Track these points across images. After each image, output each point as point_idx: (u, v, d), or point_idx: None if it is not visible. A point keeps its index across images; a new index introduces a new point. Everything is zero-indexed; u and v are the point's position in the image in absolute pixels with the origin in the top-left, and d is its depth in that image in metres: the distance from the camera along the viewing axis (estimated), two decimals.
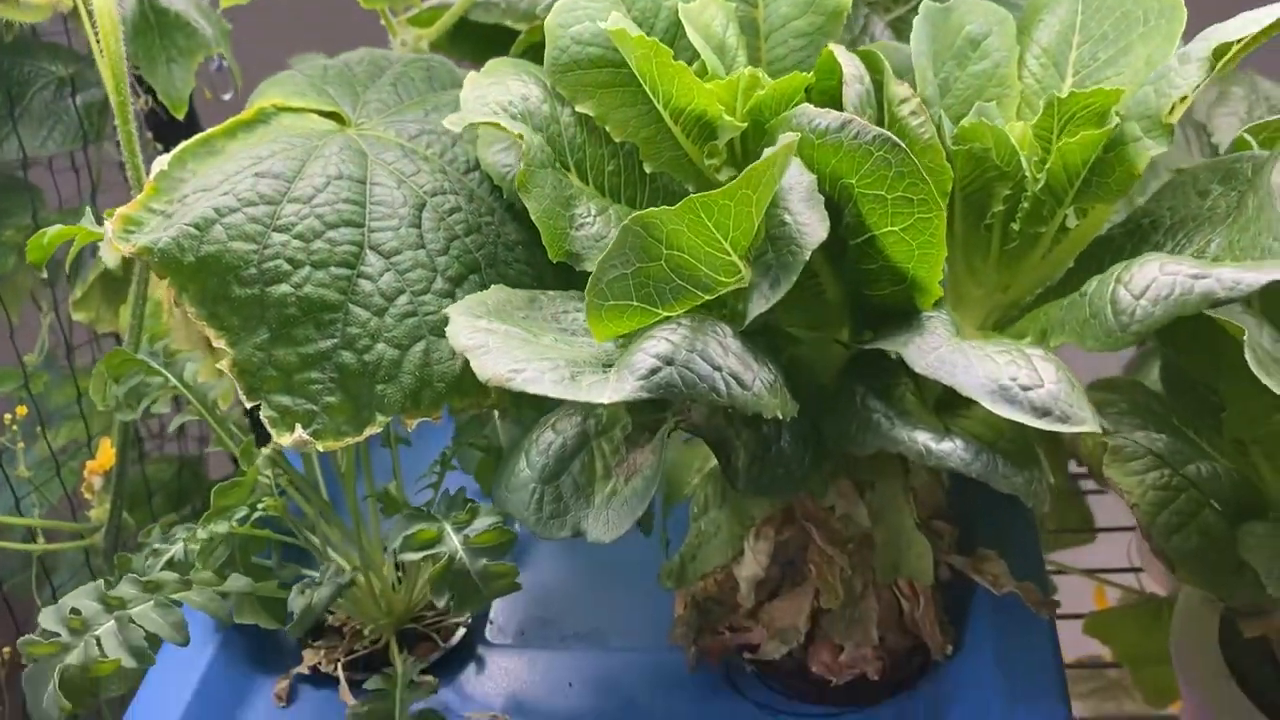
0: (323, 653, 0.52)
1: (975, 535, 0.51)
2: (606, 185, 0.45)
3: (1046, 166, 0.43)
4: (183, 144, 0.45)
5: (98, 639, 0.40)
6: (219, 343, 0.40)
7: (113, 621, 0.41)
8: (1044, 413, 0.35)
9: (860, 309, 0.41)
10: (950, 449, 0.36)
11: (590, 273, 0.38)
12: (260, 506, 0.49)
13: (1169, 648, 0.54)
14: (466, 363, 0.41)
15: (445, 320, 0.41)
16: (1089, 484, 0.89)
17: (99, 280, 0.67)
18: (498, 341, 0.37)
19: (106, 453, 0.65)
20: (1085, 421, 0.35)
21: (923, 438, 0.36)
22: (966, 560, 0.49)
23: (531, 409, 0.43)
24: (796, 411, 0.36)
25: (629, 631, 0.53)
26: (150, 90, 0.66)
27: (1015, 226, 0.45)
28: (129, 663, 0.40)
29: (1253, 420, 0.45)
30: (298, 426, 0.40)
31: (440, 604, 0.41)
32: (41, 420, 0.68)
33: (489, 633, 0.54)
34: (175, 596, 0.43)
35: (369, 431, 0.41)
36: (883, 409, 0.38)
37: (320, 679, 0.51)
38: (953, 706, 0.46)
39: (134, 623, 0.41)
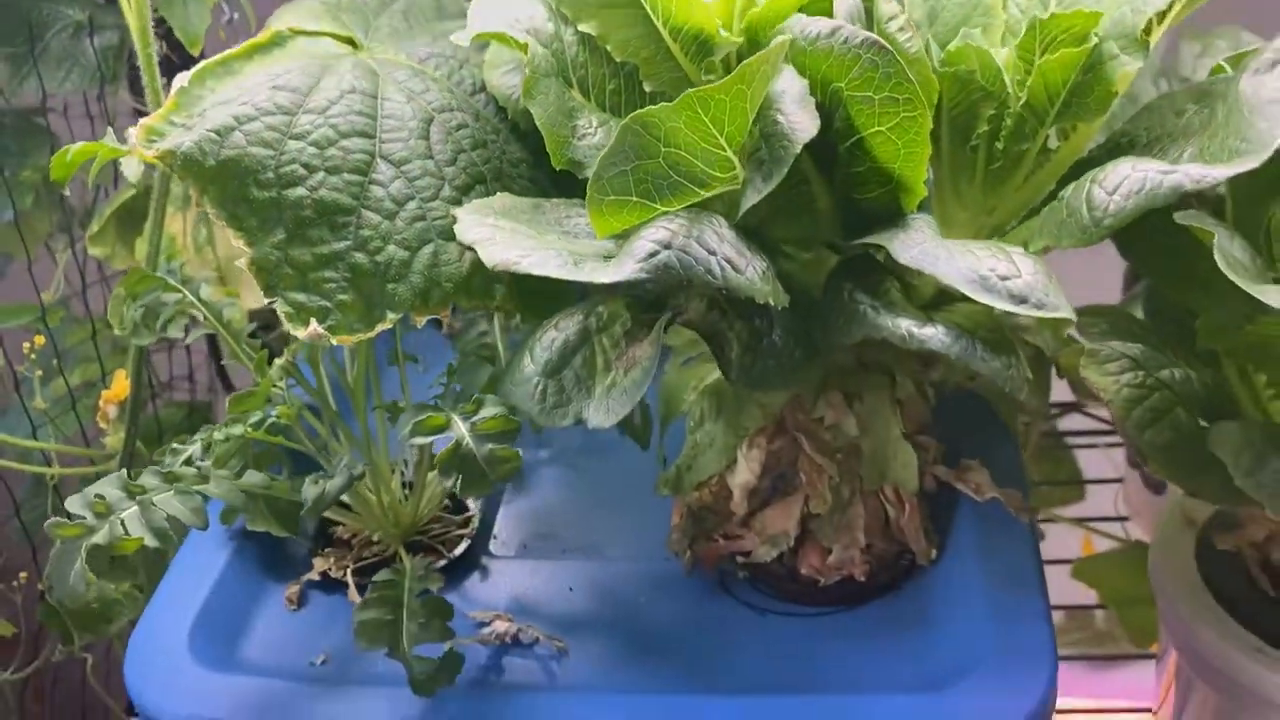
0: (332, 560, 0.54)
1: (959, 452, 0.53)
2: (607, 103, 0.47)
3: (1028, 85, 0.45)
4: (201, 64, 0.47)
5: (122, 521, 0.42)
6: (238, 242, 0.42)
7: (135, 506, 0.43)
8: (1021, 300, 0.37)
9: (849, 217, 0.43)
10: (932, 333, 0.38)
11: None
12: (274, 414, 0.51)
13: (1149, 572, 0.56)
14: (473, 263, 0.44)
15: (453, 225, 0.44)
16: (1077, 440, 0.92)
17: (114, 216, 0.69)
18: (504, 235, 0.39)
19: (121, 383, 0.67)
20: (1059, 309, 0.37)
21: (906, 324, 0.38)
22: (950, 471, 0.51)
23: (534, 313, 0.45)
24: (788, 303, 0.38)
25: (626, 545, 0.55)
26: (165, 37, 0.68)
27: (999, 146, 0.47)
28: (151, 542, 0.42)
29: (1223, 330, 0.47)
30: (313, 321, 0.42)
31: (448, 484, 0.43)
32: (58, 354, 0.69)
33: (492, 546, 0.56)
34: (194, 488, 0.44)
35: (380, 328, 0.43)
36: (869, 301, 0.40)
37: (329, 585, 0.53)
38: (938, 605, 0.48)
39: (155, 506, 0.43)
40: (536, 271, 0.36)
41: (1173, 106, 0.47)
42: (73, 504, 0.43)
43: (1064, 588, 0.87)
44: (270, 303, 0.42)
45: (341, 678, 0.48)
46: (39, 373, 0.66)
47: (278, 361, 0.51)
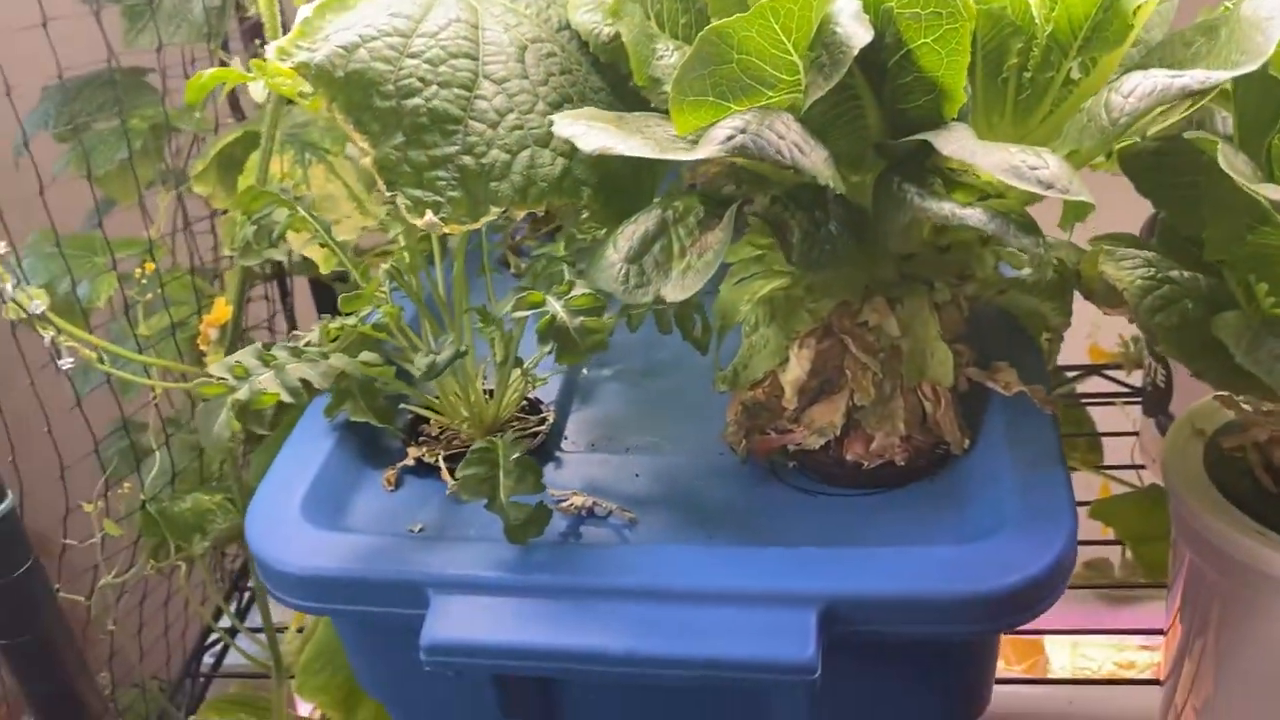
0: (424, 449, 0.60)
1: (989, 359, 0.58)
2: (680, 34, 0.53)
3: (1053, 18, 0.51)
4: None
5: (259, 383, 0.48)
6: (363, 144, 0.49)
7: (271, 371, 0.49)
8: (1048, 185, 0.43)
9: (896, 127, 0.49)
10: (972, 212, 0.44)
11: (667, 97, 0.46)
12: (379, 313, 0.57)
13: (1161, 475, 0.62)
14: (564, 168, 0.50)
15: (547, 135, 0.50)
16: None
17: (216, 158, 0.76)
18: (598, 130, 0.45)
19: (221, 309, 0.74)
20: (1082, 194, 0.43)
21: (949, 206, 0.44)
22: (981, 371, 0.57)
23: (614, 212, 0.51)
24: (844, 188, 0.44)
25: (684, 443, 0.61)
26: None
27: (1027, 76, 0.53)
28: (286, 398, 0.48)
29: (1226, 243, 0.53)
30: (428, 212, 0.48)
31: (545, 349, 0.49)
32: (161, 286, 0.76)
33: (563, 445, 0.62)
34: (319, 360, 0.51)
35: (484, 220, 0.49)
36: (915, 190, 0.46)
37: (423, 470, 0.59)
38: (972, 484, 0.54)
39: (288, 370, 0.49)
40: (630, 153, 0.42)
41: (1182, 40, 0.53)
42: (216, 369, 0.49)
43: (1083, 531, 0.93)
44: (390, 197, 0.49)
45: (438, 539, 0.54)
46: (148, 296, 0.73)
47: (383, 266, 0.57)
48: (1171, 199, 0.57)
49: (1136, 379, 1.00)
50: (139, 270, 0.73)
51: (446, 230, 0.49)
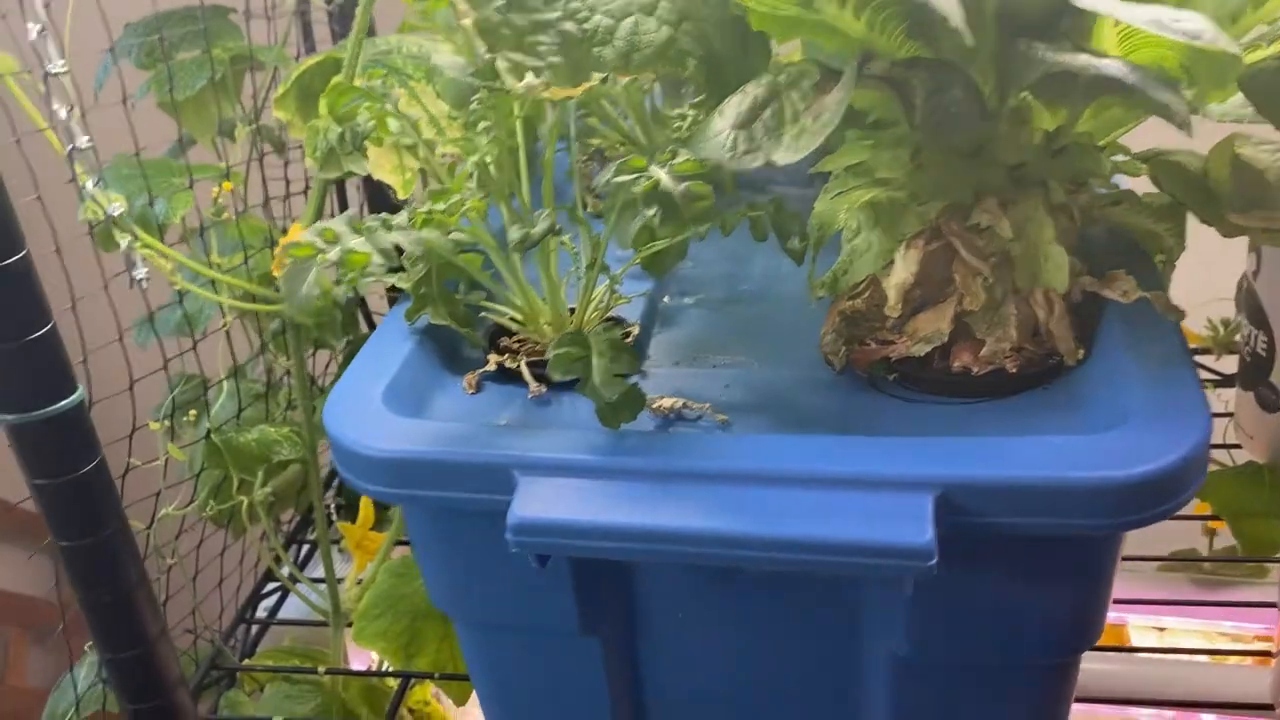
0: (506, 355, 0.58)
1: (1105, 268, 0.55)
2: None
3: None
4: None
5: (351, 244, 0.47)
6: (463, 5, 0.47)
7: (362, 236, 0.47)
8: (1191, 35, 0.40)
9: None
10: (1111, 63, 0.41)
11: None
12: (465, 208, 0.55)
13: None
14: (670, 35, 0.49)
15: (655, 3, 0.48)
16: None
17: (295, 84, 0.75)
18: None
19: (297, 233, 0.72)
20: (1227, 44, 0.41)
21: (1084, 58, 0.42)
22: (1097, 280, 0.54)
23: (718, 84, 0.49)
24: (972, 41, 0.42)
25: (774, 359, 0.58)
26: None
27: None
28: (377, 260, 0.47)
29: None
30: (528, 75, 0.47)
31: (648, 213, 0.46)
32: (237, 213, 0.75)
33: (646, 363, 0.60)
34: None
35: (585, 86, 0.47)
36: (1046, 46, 0.43)
37: (504, 376, 0.57)
38: (1090, 388, 0.51)
39: (379, 235, 0.47)
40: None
41: None
42: (306, 235, 0.48)
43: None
44: (492, 59, 0.47)
45: (524, 427, 0.51)
46: (226, 214, 0.72)
47: (471, 159, 0.56)
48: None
49: (1224, 365, 0.96)
50: (216, 189, 0.72)
51: (545, 95, 0.47)
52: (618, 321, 0.61)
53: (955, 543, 0.43)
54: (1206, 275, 0.79)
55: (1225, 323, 1.00)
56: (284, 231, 0.86)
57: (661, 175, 0.46)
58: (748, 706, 0.57)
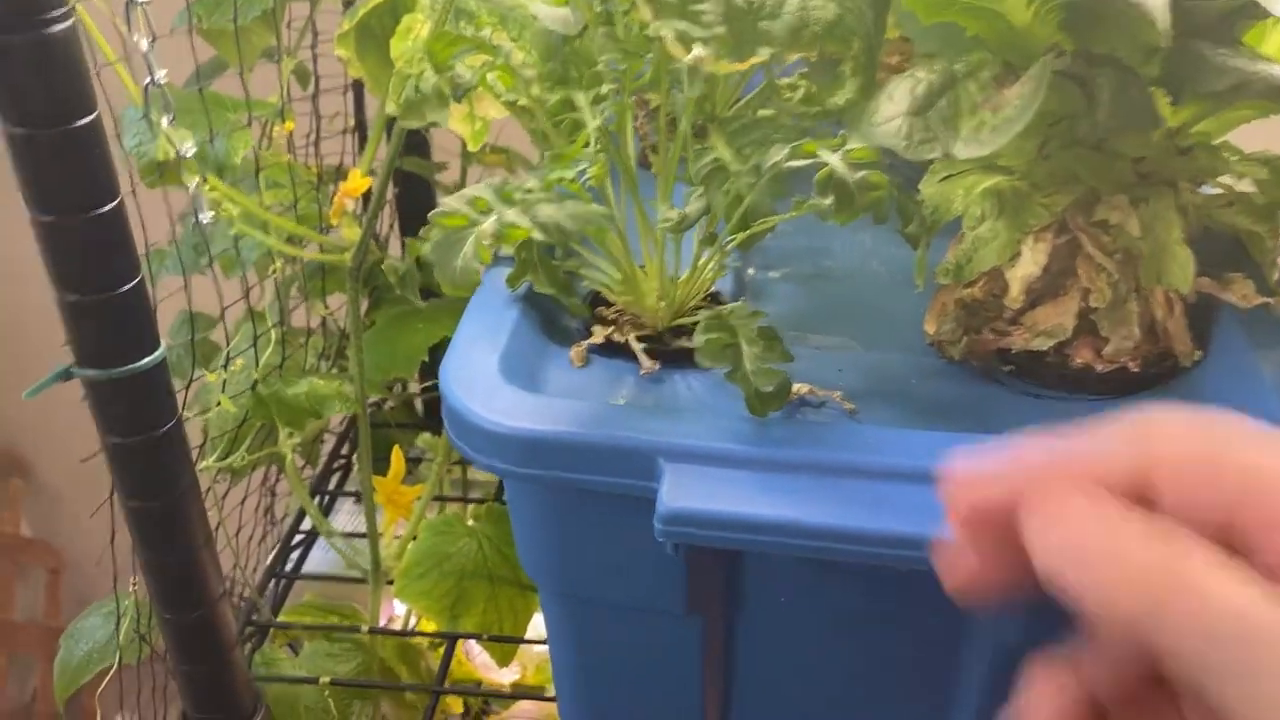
0: (612, 329, 0.56)
1: (1214, 272, 0.56)
2: None
3: None
4: None
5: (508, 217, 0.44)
6: None
7: (515, 207, 0.45)
8: None
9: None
10: None
11: None
12: (589, 175, 0.53)
13: None
14: (838, 13, 0.47)
15: None
16: None
17: (358, 26, 0.71)
18: None
19: (357, 179, 0.69)
20: None
21: (1264, 65, 0.41)
22: (1213, 281, 0.54)
23: (874, 69, 0.47)
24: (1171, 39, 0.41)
25: (878, 341, 0.58)
26: None
27: None
28: (538, 236, 0.44)
29: None
30: (695, 46, 0.44)
31: (822, 201, 0.45)
32: (291, 150, 0.71)
33: None
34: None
35: (751, 61, 0.45)
36: (1230, 54, 0.43)
37: (609, 350, 0.55)
38: (1210, 396, 0.51)
39: (537, 207, 0.45)
40: None
41: None
42: (451, 201, 0.45)
43: None
44: (656, 27, 0.45)
45: (659, 409, 0.50)
46: (285, 157, 0.68)
47: (593, 124, 0.53)
48: None
49: None
50: (277, 128, 0.68)
51: (710, 68, 0.45)
52: (716, 297, 0.60)
53: None
54: None
55: None
56: (335, 172, 0.82)
57: (836, 162, 0.44)
58: (837, 688, 0.57)
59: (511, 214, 0.44)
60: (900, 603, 0.53)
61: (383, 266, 0.58)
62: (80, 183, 0.47)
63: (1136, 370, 0.53)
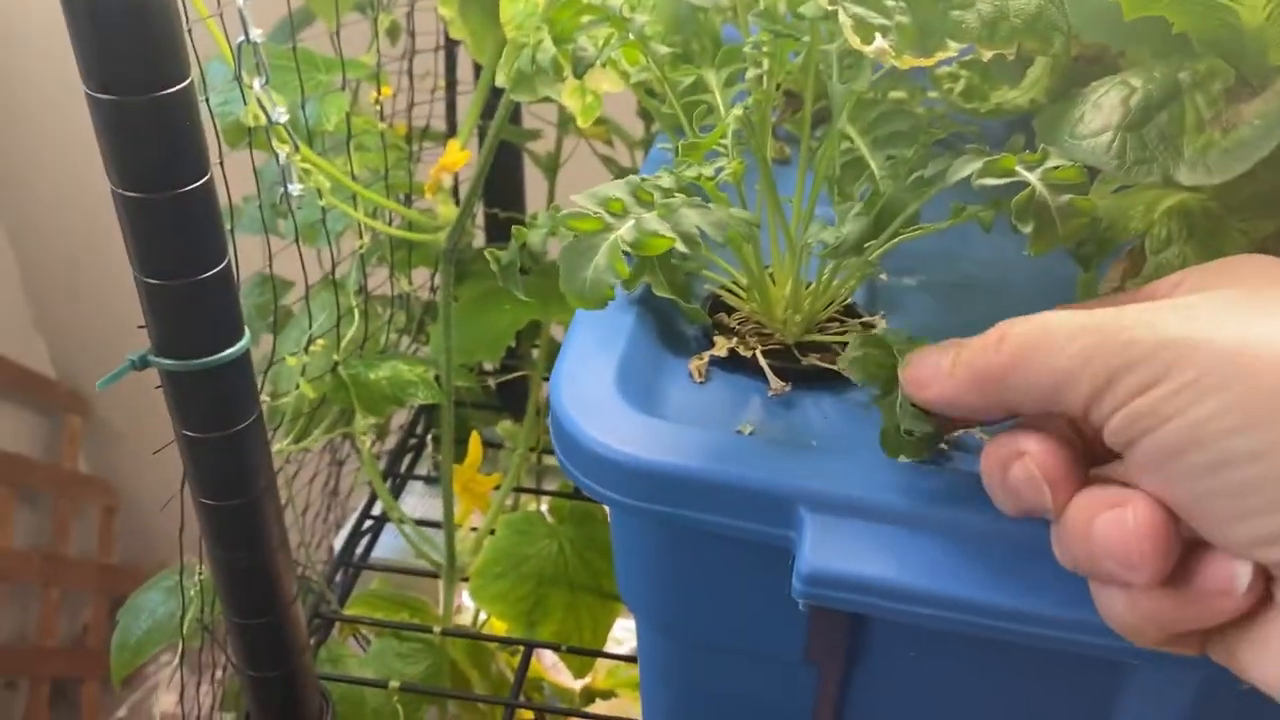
0: (736, 340, 0.51)
1: None
2: None
3: None
4: None
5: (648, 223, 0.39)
6: None
7: (653, 212, 0.39)
8: None
9: None
10: None
11: None
12: (725, 169, 0.47)
13: None
14: (1039, 5, 0.40)
15: None
16: None
17: None
18: None
19: (456, 153, 0.64)
20: None
21: None
22: None
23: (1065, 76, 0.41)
24: None
25: None
26: None
27: None
28: (681, 248, 0.39)
29: None
30: (877, 36, 0.38)
31: (1024, 229, 0.39)
32: (382, 116, 0.66)
33: None
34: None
35: (940, 56, 0.39)
36: None
37: (732, 364, 0.50)
38: None
39: (682, 214, 0.39)
40: None
41: None
42: (583, 200, 0.40)
43: None
44: (833, 11, 0.39)
45: (796, 446, 0.44)
46: (381, 127, 0.63)
47: (734, 112, 0.47)
48: None
49: None
50: (373, 95, 0.62)
51: (893, 61, 0.39)
52: (851, 308, 0.54)
53: None
54: None
55: None
56: (423, 133, 0.77)
57: (1037, 183, 0.38)
58: None
59: (652, 220, 0.39)
60: (1039, 673, 0.47)
61: (485, 253, 0.53)
62: (169, 156, 0.42)
63: None
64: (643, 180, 0.42)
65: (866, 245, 0.48)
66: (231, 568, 0.54)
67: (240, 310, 0.48)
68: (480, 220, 0.93)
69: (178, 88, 0.41)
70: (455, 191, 0.82)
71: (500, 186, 0.90)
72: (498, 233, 0.92)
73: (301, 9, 0.74)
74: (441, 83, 0.84)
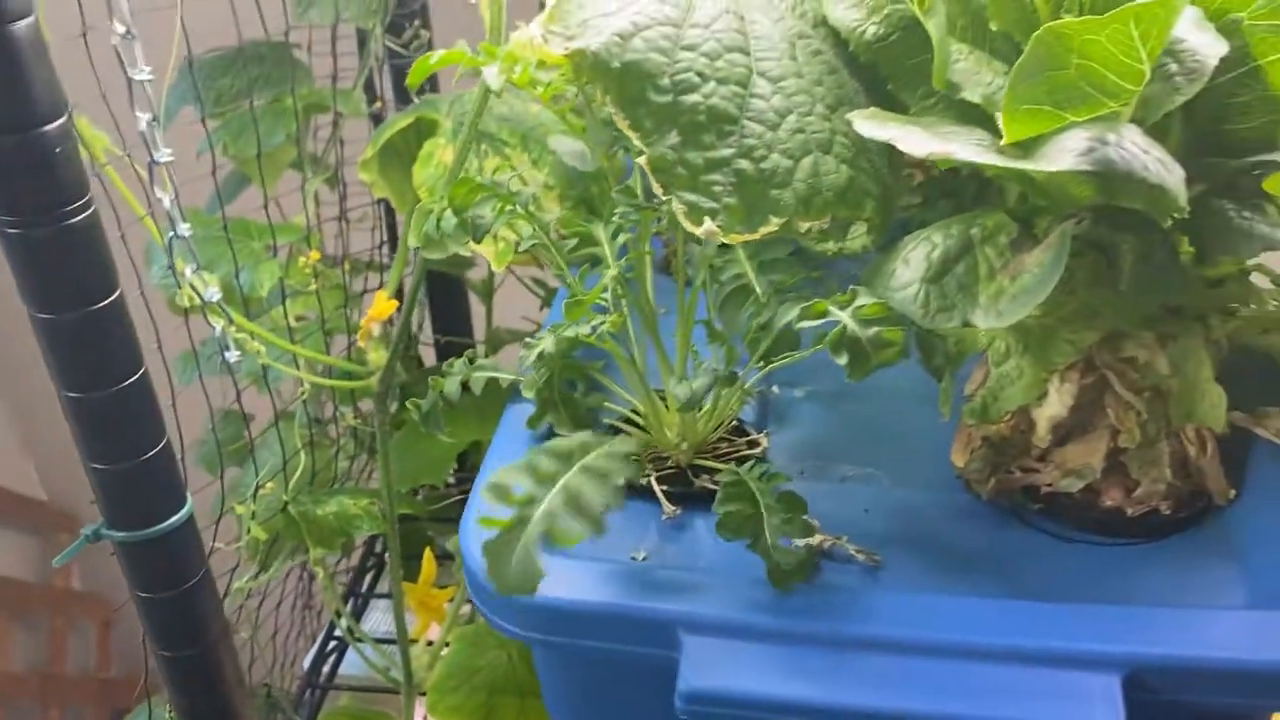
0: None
1: (1247, 404, 0.54)
2: (959, 36, 0.49)
3: None
4: None
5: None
6: (636, 141, 0.45)
7: (556, 486, 0.44)
8: None
9: (1209, 149, 0.45)
10: None
11: (966, 100, 0.42)
12: (603, 323, 0.53)
13: None
14: (850, 176, 0.46)
15: (830, 138, 0.46)
16: None
17: (380, 151, 0.71)
18: (915, 131, 0.41)
19: (384, 303, 0.69)
20: None
21: None
22: (1248, 416, 0.53)
23: (887, 228, 0.47)
24: (1187, 212, 0.40)
25: (905, 475, 0.57)
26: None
27: None
28: (584, 532, 0.44)
29: None
30: (706, 219, 0.44)
31: (838, 360, 0.44)
32: (317, 275, 0.72)
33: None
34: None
35: (763, 231, 0.45)
36: (1256, 218, 0.42)
37: (631, 491, 0.55)
38: (1248, 536, 0.50)
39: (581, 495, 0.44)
40: (970, 159, 0.38)
41: None
42: (487, 498, 0.44)
43: None
44: (665, 200, 0.44)
45: (679, 572, 0.50)
46: (311, 287, 0.69)
47: (610, 273, 0.53)
48: None
49: None
50: (303, 259, 0.68)
51: (724, 239, 0.44)
52: (740, 427, 0.60)
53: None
54: None
55: None
56: (349, 274, 0.83)
57: (848, 321, 0.44)
58: None
59: (557, 505, 0.44)
60: None
61: (408, 403, 0.58)
62: (105, 361, 0.48)
63: (1168, 512, 0.51)
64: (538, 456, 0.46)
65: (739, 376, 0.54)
66: (193, 711, 0.59)
67: (182, 482, 0.53)
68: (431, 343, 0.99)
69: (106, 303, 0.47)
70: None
71: (445, 312, 0.96)
72: (446, 354, 0.97)
73: (235, 172, 0.80)
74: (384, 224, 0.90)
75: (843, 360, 0.44)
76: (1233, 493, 0.52)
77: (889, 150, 0.50)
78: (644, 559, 0.51)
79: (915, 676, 0.43)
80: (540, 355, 0.47)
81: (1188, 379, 0.52)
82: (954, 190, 0.49)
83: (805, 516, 0.47)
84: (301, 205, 0.81)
